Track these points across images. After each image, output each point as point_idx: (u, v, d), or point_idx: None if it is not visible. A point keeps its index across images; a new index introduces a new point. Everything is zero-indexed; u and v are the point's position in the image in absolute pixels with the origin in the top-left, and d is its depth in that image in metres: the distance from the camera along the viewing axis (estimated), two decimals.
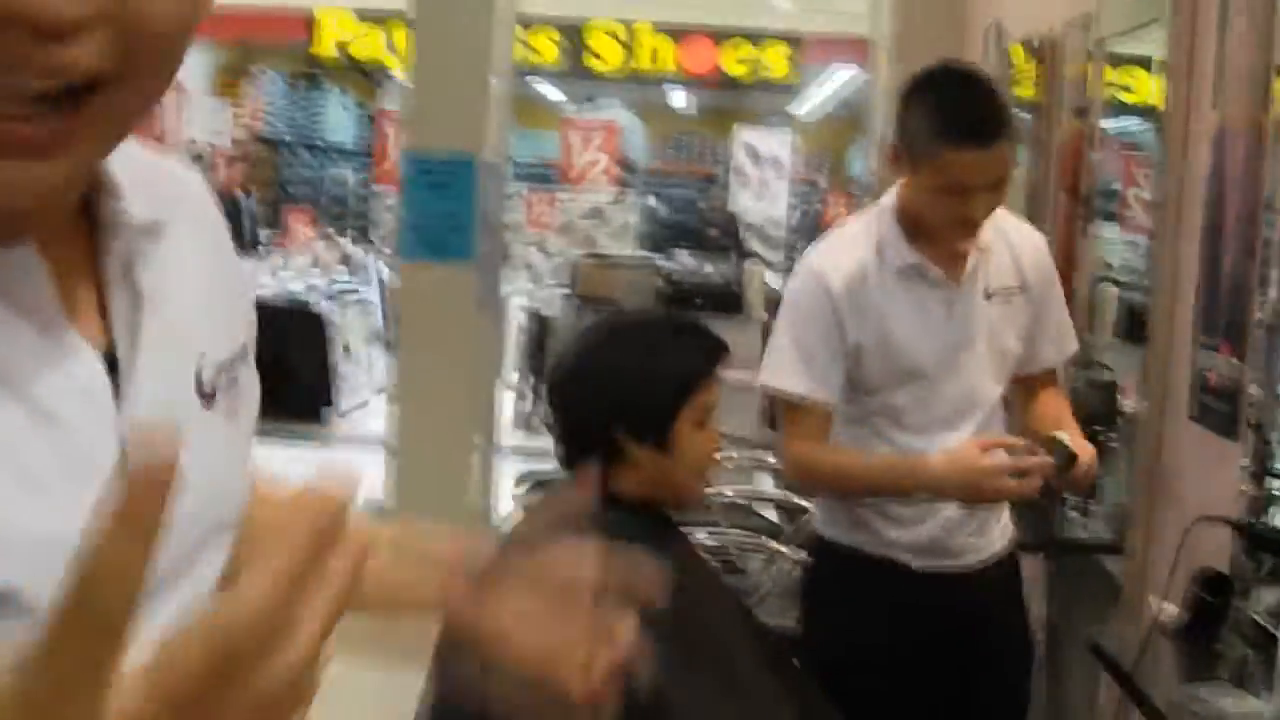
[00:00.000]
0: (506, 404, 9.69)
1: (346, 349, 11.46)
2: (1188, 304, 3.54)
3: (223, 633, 0.65)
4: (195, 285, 1.09)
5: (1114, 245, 4.55)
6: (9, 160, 0.80)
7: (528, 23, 12.76)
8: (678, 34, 15.27)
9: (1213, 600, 3.02)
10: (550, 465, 2.92)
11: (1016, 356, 3.24)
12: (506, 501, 6.91)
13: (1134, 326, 4.07)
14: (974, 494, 2.96)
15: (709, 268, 9.94)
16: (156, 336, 1.01)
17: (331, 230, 15.28)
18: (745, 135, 17.24)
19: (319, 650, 0.68)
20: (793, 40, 15.14)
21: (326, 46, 15.71)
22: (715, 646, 2.47)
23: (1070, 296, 3.66)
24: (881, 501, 3.16)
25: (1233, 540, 3.06)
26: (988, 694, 3.27)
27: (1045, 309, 3.29)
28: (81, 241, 0.99)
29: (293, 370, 10.83)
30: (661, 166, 19.98)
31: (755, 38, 15.21)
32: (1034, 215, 4.89)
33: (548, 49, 15.16)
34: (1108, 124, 4.59)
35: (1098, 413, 4.04)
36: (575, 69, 15.49)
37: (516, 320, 11.27)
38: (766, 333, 8.80)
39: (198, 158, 15.33)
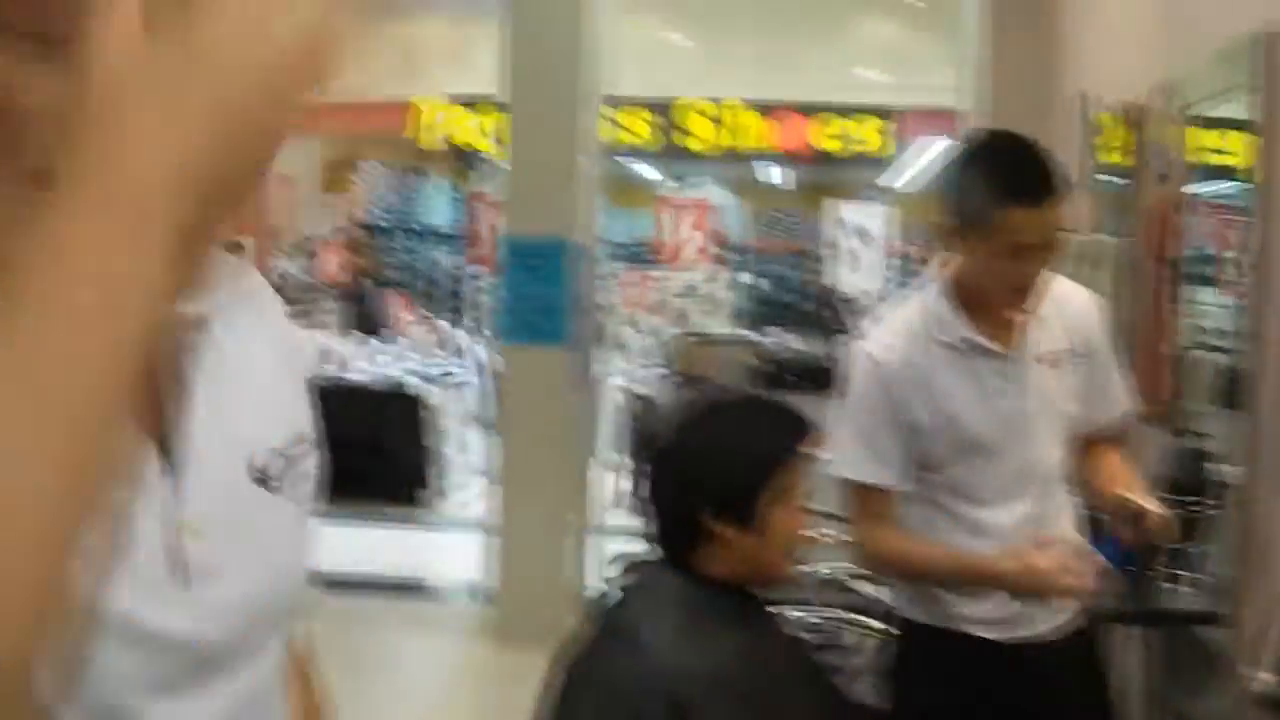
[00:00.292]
0: (606, 483, 9.71)
1: (444, 432, 11.52)
2: None
3: None
4: (248, 374, 1.12)
5: (1209, 310, 4.50)
6: None
7: (617, 104, 12.85)
8: (769, 110, 15.32)
9: None
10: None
11: (1073, 418, 3.22)
12: (602, 581, 6.91)
13: (1230, 392, 4.02)
14: (1037, 591, 2.99)
15: (803, 344, 9.93)
16: (209, 425, 1.05)
17: (429, 313, 15.42)
18: (840, 210, 17.24)
19: None
20: (884, 113, 15.14)
21: (425, 134, 15.91)
22: None
23: (1162, 363, 3.63)
24: None
25: None
26: None
27: (1097, 368, 3.28)
28: None
29: (391, 453, 10.90)
30: (756, 243, 20.00)
31: (847, 112, 15.22)
32: (1125, 282, 4.85)
33: (641, 128, 15.26)
34: (1199, 188, 4.56)
35: (1192, 481, 3.98)
36: (668, 147, 15.57)
37: (615, 400, 11.30)
38: None
39: (307, 252, 15.60)
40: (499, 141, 7.77)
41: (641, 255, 16.71)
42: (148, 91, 0.71)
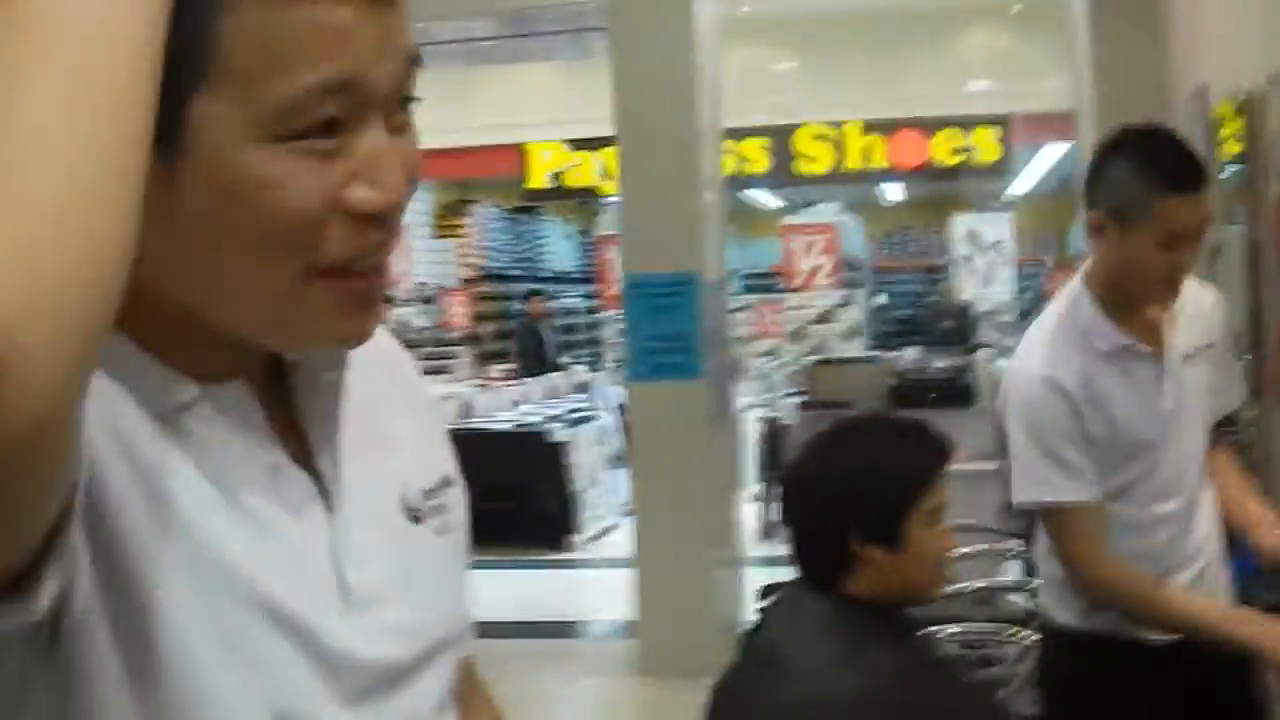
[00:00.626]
0: (749, 515, 9.72)
1: (585, 473, 11.60)
2: None
3: None
4: (388, 419, 1.22)
5: None
6: (368, 312, 1.04)
7: (735, 135, 12.89)
8: (886, 128, 15.29)
9: None
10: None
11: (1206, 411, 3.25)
12: (751, 612, 6.93)
13: None
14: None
15: (938, 361, 9.88)
16: (360, 464, 1.14)
17: (564, 357, 15.55)
18: (965, 222, 17.16)
19: None
20: (998, 122, 15.06)
21: (539, 177, 16.05)
22: None
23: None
24: None
25: None
26: None
27: (1221, 361, 3.31)
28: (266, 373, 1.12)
29: (535, 499, 10.99)
30: (881, 262, 19.94)
31: (961, 124, 15.15)
32: (1250, 273, 4.81)
33: (757, 156, 15.28)
34: None
35: None
36: (785, 173, 15.58)
37: (755, 430, 11.31)
38: (996, 421, 8.74)
39: (427, 299, 15.77)
40: (616, 182, 7.84)
41: (770, 285, 16.73)
42: None
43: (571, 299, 18.46)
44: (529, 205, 17.92)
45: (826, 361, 10.57)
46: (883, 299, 18.77)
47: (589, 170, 15.69)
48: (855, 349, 14.20)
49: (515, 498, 10.50)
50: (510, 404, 12.67)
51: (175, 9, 0.85)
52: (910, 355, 10.85)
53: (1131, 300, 3.10)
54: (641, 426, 7.56)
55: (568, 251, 19.36)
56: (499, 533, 8.50)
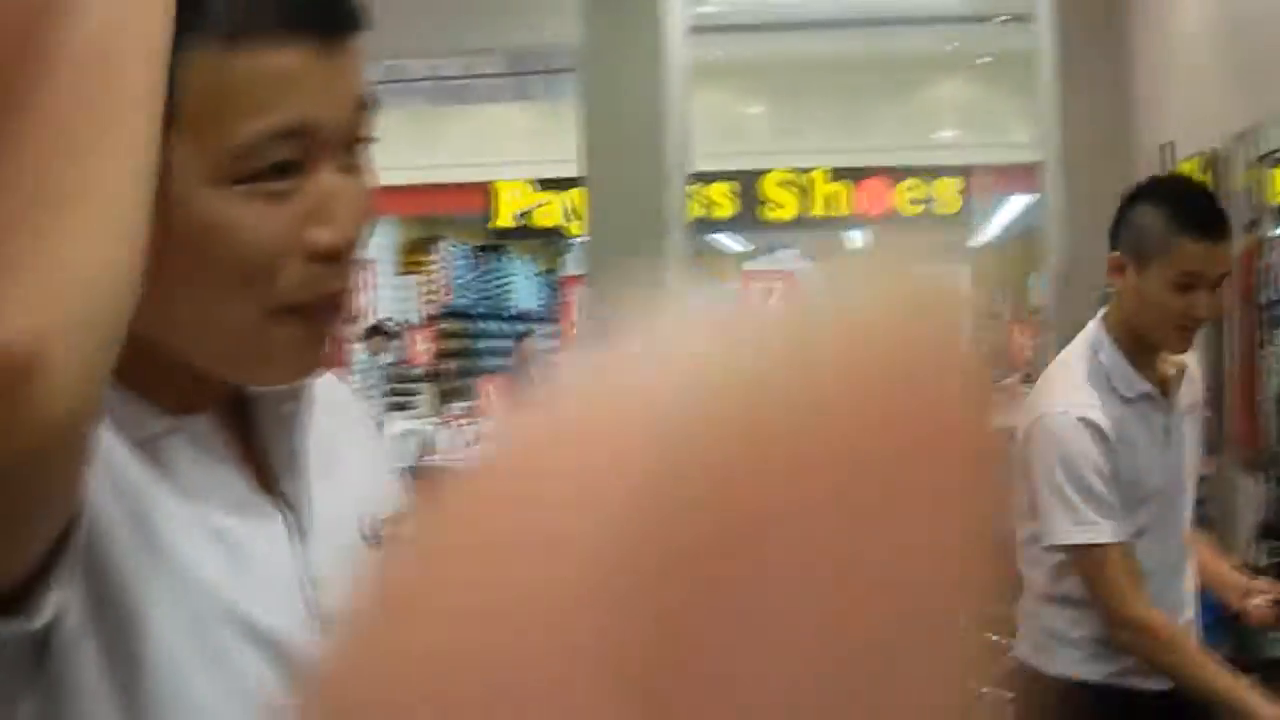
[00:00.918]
0: None
1: None
2: None
3: None
4: (346, 450, 1.28)
5: None
6: (323, 347, 1.09)
7: (700, 179, 12.93)
8: (854, 176, 15.33)
9: None
10: None
11: None
12: None
13: None
14: None
15: None
16: (323, 492, 1.19)
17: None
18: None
19: None
20: (962, 172, 15.12)
21: (505, 217, 16.04)
22: None
23: (1255, 409, 3.63)
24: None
25: None
26: None
27: (1199, 424, 3.35)
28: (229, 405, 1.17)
29: None
30: None
31: (926, 174, 15.20)
32: (1215, 329, 4.84)
33: (724, 201, 15.30)
34: None
35: None
36: (751, 218, 15.60)
37: None
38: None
39: (390, 335, 15.72)
40: (582, 223, 7.85)
41: None
42: None
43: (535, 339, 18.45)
44: (495, 244, 17.89)
45: None
46: None
47: (556, 210, 15.69)
48: None
49: None
50: (469, 444, 12.62)
51: None
52: None
53: (1146, 347, 3.14)
54: None
55: (533, 291, 19.33)
56: None
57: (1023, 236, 15.61)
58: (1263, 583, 3.25)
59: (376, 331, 14.98)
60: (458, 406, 15.30)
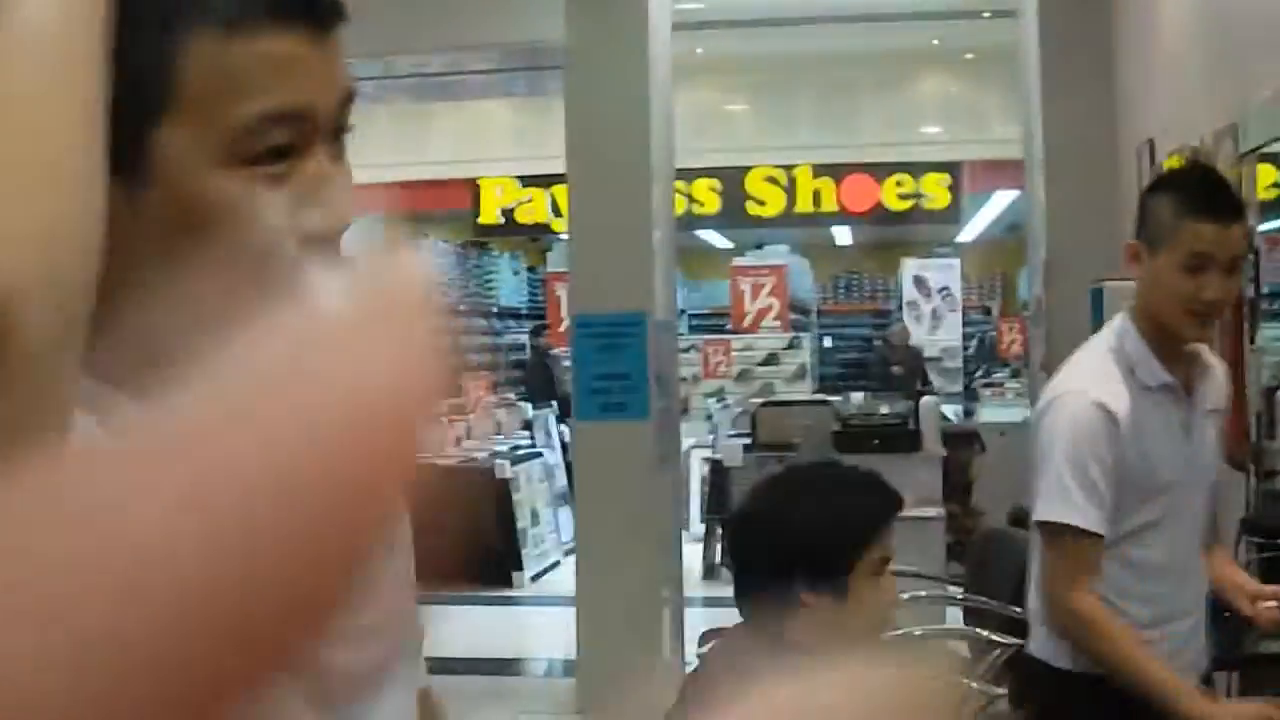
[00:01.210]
0: (693, 556, 9.71)
1: (533, 513, 11.56)
2: None
3: None
4: None
5: None
6: None
7: (686, 176, 12.93)
8: (836, 172, 15.35)
9: None
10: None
11: None
12: (693, 655, 6.93)
13: None
14: None
15: (884, 406, 9.90)
16: None
17: (511, 394, 15.50)
18: (914, 267, 17.23)
19: None
20: (949, 168, 15.15)
21: (490, 213, 16.04)
22: None
23: (1244, 404, 3.63)
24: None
25: None
26: None
27: (1218, 429, 3.34)
28: None
29: (480, 536, 10.95)
30: (833, 306, 20.00)
31: (914, 170, 15.23)
32: None
33: (709, 198, 15.32)
34: (1271, 225, 4.57)
35: (1276, 524, 3.96)
36: (736, 215, 15.62)
37: (700, 472, 11.30)
38: (946, 468, 8.77)
39: None
40: (568, 220, 7.84)
41: (718, 325, 16.75)
42: None
43: (519, 335, 18.43)
44: (479, 240, 17.89)
45: (771, 405, 10.55)
46: (830, 342, 18.83)
47: (541, 207, 15.70)
48: (802, 391, 14.21)
49: (462, 535, 10.44)
50: (455, 441, 12.62)
51: (133, 48, 0.95)
52: (856, 399, 10.88)
53: (1169, 337, 3.13)
54: (587, 466, 7.53)
55: (517, 287, 19.33)
56: (447, 568, 8.45)
57: (1010, 232, 15.64)
58: (1273, 588, 3.24)
59: None
60: (442, 403, 15.29)
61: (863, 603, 2.53)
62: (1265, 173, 4.57)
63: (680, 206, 10.58)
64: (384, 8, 6.85)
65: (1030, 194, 7.81)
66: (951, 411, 12.15)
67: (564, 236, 10.53)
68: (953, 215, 16.05)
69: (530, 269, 19.48)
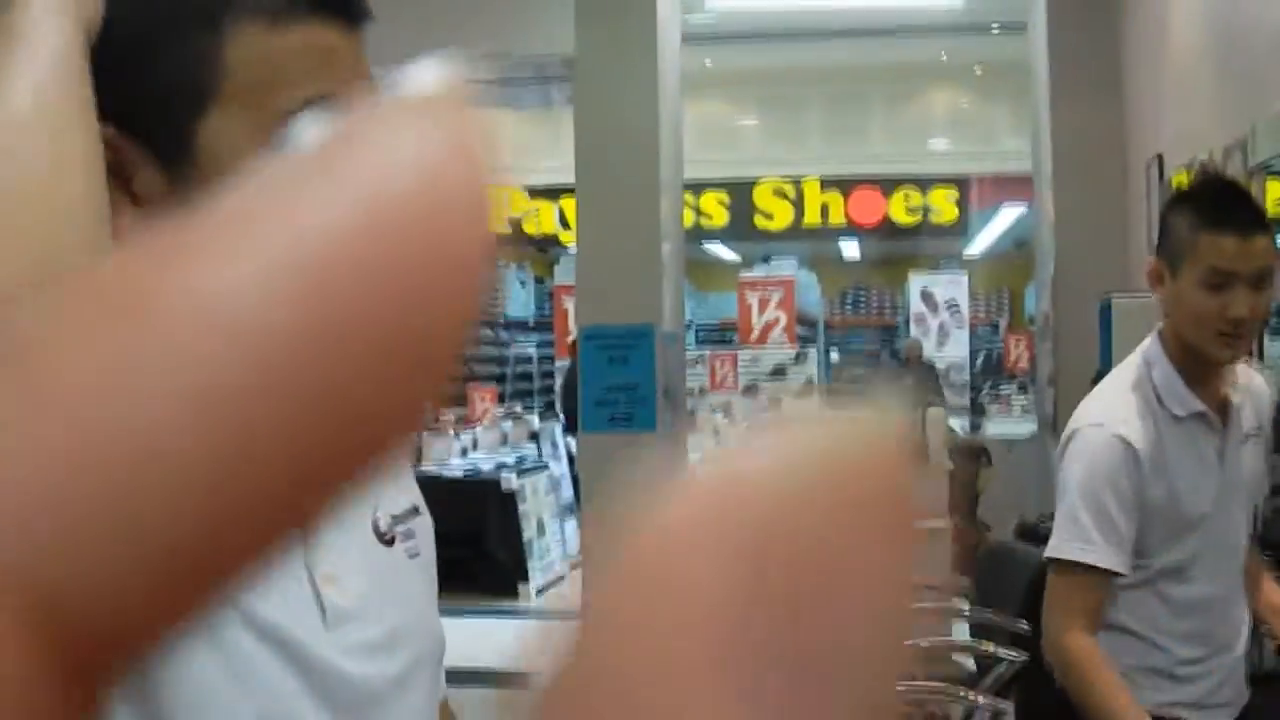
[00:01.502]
0: None
1: (539, 524, 11.54)
2: None
3: None
4: None
5: None
6: None
7: (697, 189, 12.93)
8: (844, 186, 15.35)
9: None
10: None
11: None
12: None
13: None
14: None
15: None
16: None
17: (517, 406, 15.49)
18: (921, 281, 17.21)
19: None
20: (957, 182, 15.14)
21: (498, 223, 16.06)
22: None
23: None
24: (1166, 663, 3.11)
25: None
26: None
27: (1264, 450, 3.24)
28: None
29: (486, 548, 10.91)
30: (840, 320, 19.97)
31: (921, 183, 15.22)
32: None
33: (717, 211, 15.32)
34: None
35: None
36: (744, 228, 15.62)
37: None
38: (953, 480, 8.75)
39: None
40: (576, 231, 7.84)
41: (726, 337, 16.74)
42: None
43: (525, 347, 18.41)
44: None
45: None
46: (838, 356, 18.81)
47: (548, 218, 15.70)
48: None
49: (468, 547, 10.42)
50: (461, 452, 12.59)
51: (179, 43, 1.09)
52: None
53: (1200, 361, 3.02)
54: (593, 479, 7.53)
55: (524, 299, 19.32)
56: (456, 581, 8.45)
57: (1018, 246, 15.61)
58: None
59: None
60: (449, 415, 15.28)
61: None
62: (1275, 188, 4.57)
63: (688, 219, 10.58)
64: (393, 18, 6.85)
65: (1038, 208, 7.81)
66: (958, 425, 12.14)
67: (572, 248, 10.52)
68: (960, 229, 16.04)
69: (538, 280, 19.48)
